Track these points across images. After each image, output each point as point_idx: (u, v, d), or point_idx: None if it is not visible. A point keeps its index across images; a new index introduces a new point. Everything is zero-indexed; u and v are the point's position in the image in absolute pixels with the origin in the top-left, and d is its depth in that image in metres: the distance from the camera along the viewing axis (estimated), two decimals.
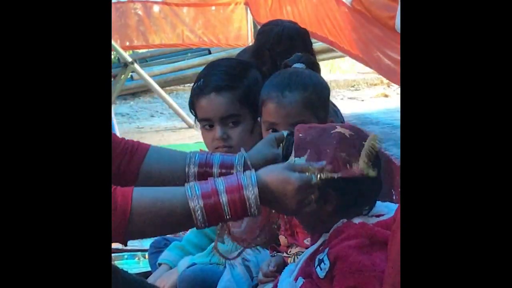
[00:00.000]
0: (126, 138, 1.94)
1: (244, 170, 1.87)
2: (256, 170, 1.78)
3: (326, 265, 1.61)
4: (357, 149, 1.62)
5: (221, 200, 1.57)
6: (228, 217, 1.58)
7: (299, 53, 2.13)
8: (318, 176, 1.58)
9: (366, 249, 1.59)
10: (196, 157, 1.91)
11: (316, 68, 2.11)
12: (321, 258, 1.63)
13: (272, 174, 1.60)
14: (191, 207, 1.56)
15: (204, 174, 1.89)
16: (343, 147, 1.63)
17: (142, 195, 1.58)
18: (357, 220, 1.64)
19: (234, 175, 1.62)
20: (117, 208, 1.54)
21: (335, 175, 1.58)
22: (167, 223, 1.60)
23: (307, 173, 1.59)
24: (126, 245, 1.66)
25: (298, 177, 1.58)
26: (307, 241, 1.87)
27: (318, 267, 1.63)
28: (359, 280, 1.55)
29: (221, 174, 1.88)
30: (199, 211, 1.56)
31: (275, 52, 2.73)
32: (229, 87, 2.23)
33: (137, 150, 1.92)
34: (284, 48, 2.73)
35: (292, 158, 1.66)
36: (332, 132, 1.67)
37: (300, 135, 1.69)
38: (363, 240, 1.59)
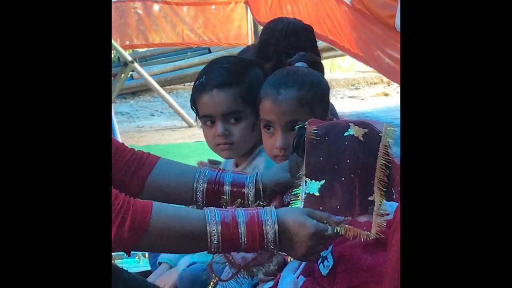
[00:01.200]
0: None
1: (255, 190, 1.91)
2: (265, 191, 1.86)
3: (329, 262, 1.61)
4: (374, 154, 1.62)
5: (239, 231, 1.60)
6: (243, 247, 1.61)
7: (301, 52, 2.13)
8: (334, 229, 1.60)
9: (370, 249, 1.58)
10: (206, 174, 1.94)
11: (318, 67, 2.11)
12: (324, 255, 1.63)
13: (290, 215, 1.63)
14: (208, 231, 1.59)
15: (213, 190, 1.92)
16: (359, 161, 1.62)
17: (161, 210, 1.61)
18: (362, 219, 1.63)
19: (254, 209, 1.65)
20: (136, 219, 1.56)
21: (351, 234, 1.59)
22: (180, 242, 1.62)
23: (324, 222, 1.61)
24: (129, 256, 1.68)
25: (314, 224, 1.61)
26: None
27: (321, 264, 1.63)
28: (362, 280, 1.55)
29: (232, 193, 1.91)
30: (215, 236, 1.59)
31: (280, 48, 2.73)
32: (231, 84, 2.23)
33: (146, 162, 1.94)
34: (289, 44, 2.72)
35: (306, 178, 1.66)
36: (345, 134, 1.65)
37: (312, 129, 1.67)
38: (368, 239, 1.59)
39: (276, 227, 1.60)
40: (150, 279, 2.41)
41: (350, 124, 1.68)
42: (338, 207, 1.63)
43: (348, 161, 1.63)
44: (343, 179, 1.63)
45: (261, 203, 1.91)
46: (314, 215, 1.63)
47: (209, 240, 1.60)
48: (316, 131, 1.67)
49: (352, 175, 1.62)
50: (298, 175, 1.69)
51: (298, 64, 2.06)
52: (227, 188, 1.92)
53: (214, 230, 1.60)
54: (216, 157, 2.81)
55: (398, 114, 1.50)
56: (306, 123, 1.70)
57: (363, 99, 9.03)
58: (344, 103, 8.47)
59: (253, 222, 1.61)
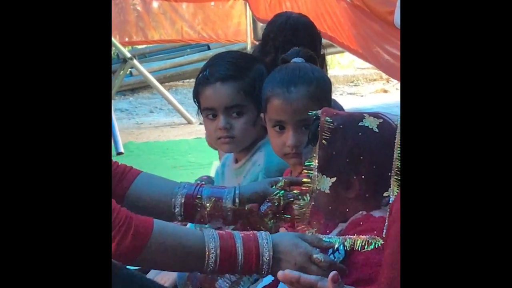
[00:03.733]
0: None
1: (233, 203, 1.94)
2: (242, 202, 1.91)
3: (341, 254, 1.60)
4: (390, 144, 1.61)
5: (237, 251, 1.63)
6: (239, 268, 1.64)
7: (297, 47, 2.12)
8: (322, 256, 1.62)
9: (382, 245, 1.57)
10: (184, 188, 1.96)
11: (315, 62, 2.10)
12: (335, 247, 1.62)
13: (284, 238, 1.67)
14: (206, 250, 1.62)
15: (191, 204, 1.94)
16: (374, 153, 1.61)
17: (162, 227, 1.64)
18: (377, 214, 1.62)
19: (251, 232, 1.69)
20: (138, 235, 1.59)
21: (359, 245, 1.59)
22: (177, 260, 1.65)
23: (314, 244, 1.65)
24: None
25: (306, 244, 1.64)
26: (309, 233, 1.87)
27: (331, 255, 1.62)
28: (371, 274, 1.54)
29: (211, 211, 1.94)
30: (213, 255, 1.62)
31: (278, 43, 2.73)
32: (235, 78, 2.23)
33: (127, 175, 1.97)
34: (287, 39, 2.72)
35: (318, 173, 1.65)
36: (360, 124, 1.64)
37: (327, 118, 1.64)
38: (381, 235, 1.57)
39: (271, 249, 1.64)
40: (150, 275, 2.41)
41: (364, 115, 1.66)
42: (351, 200, 1.62)
43: (363, 152, 1.61)
44: (357, 171, 1.61)
45: (234, 206, 1.93)
46: (305, 238, 1.67)
47: (206, 259, 1.62)
48: (331, 121, 1.64)
49: (367, 167, 1.61)
50: (308, 161, 1.66)
51: (296, 59, 2.05)
52: (205, 202, 1.94)
53: (212, 249, 1.63)
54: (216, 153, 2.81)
55: (397, 111, 1.50)
56: (319, 112, 1.67)
57: (362, 96, 9.03)
58: (343, 100, 8.45)
59: (251, 244, 1.64)
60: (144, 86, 9.20)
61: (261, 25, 7.43)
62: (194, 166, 5.49)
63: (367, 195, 1.62)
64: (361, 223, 1.61)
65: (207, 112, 2.29)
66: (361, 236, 1.58)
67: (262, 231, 1.69)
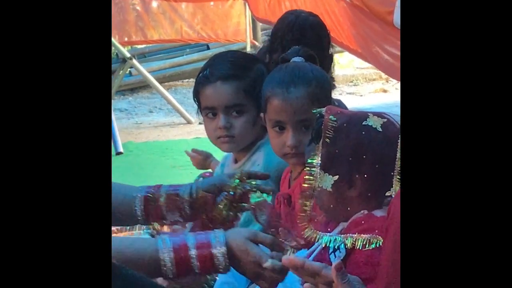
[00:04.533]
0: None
1: (190, 196, 1.95)
2: (198, 193, 1.94)
3: (342, 253, 1.60)
4: (393, 144, 1.60)
5: (190, 254, 1.65)
6: (197, 270, 1.66)
7: (297, 46, 2.11)
8: (273, 262, 1.63)
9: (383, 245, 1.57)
10: (143, 190, 1.98)
11: (314, 61, 2.09)
12: (337, 245, 1.62)
13: (236, 239, 1.68)
14: (161, 258, 1.65)
15: (150, 201, 1.96)
16: (377, 152, 1.61)
17: (118, 243, 1.66)
18: (378, 213, 1.61)
19: (204, 233, 1.72)
20: None
21: (360, 244, 1.59)
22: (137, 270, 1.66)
23: (268, 246, 1.67)
24: None
25: (256, 252, 1.67)
26: (309, 231, 1.87)
27: (332, 254, 1.62)
28: (372, 274, 1.54)
29: (167, 205, 1.96)
30: (169, 262, 1.65)
31: (285, 41, 2.73)
32: (235, 77, 2.24)
33: None
34: (294, 37, 2.72)
35: (320, 171, 1.65)
36: (364, 123, 1.63)
37: (331, 117, 1.63)
38: (382, 234, 1.57)
39: (224, 249, 1.65)
40: None
41: (368, 114, 1.66)
42: (353, 199, 1.62)
43: (366, 151, 1.61)
44: (360, 170, 1.61)
45: (191, 199, 1.94)
46: (257, 238, 1.69)
47: (163, 266, 1.65)
48: (335, 120, 1.63)
49: (370, 167, 1.61)
50: (311, 159, 1.65)
51: (295, 59, 2.04)
52: (162, 199, 1.96)
53: (166, 256, 1.65)
54: (214, 150, 2.81)
55: (396, 110, 1.50)
56: (323, 110, 1.66)
57: (361, 96, 9.04)
58: (343, 100, 8.45)
59: (203, 245, 1.66)
60: (144, 86, 9.20)
61: (260, 25, 7.45)
62: (193, 166, 5.49)
63: (369, 194, 1.62)
64: (363, 222, 1.61)
65: (207, 111, 2.29)
66: (362, 235, 1.58)
67: (215, 230, 1.71)
